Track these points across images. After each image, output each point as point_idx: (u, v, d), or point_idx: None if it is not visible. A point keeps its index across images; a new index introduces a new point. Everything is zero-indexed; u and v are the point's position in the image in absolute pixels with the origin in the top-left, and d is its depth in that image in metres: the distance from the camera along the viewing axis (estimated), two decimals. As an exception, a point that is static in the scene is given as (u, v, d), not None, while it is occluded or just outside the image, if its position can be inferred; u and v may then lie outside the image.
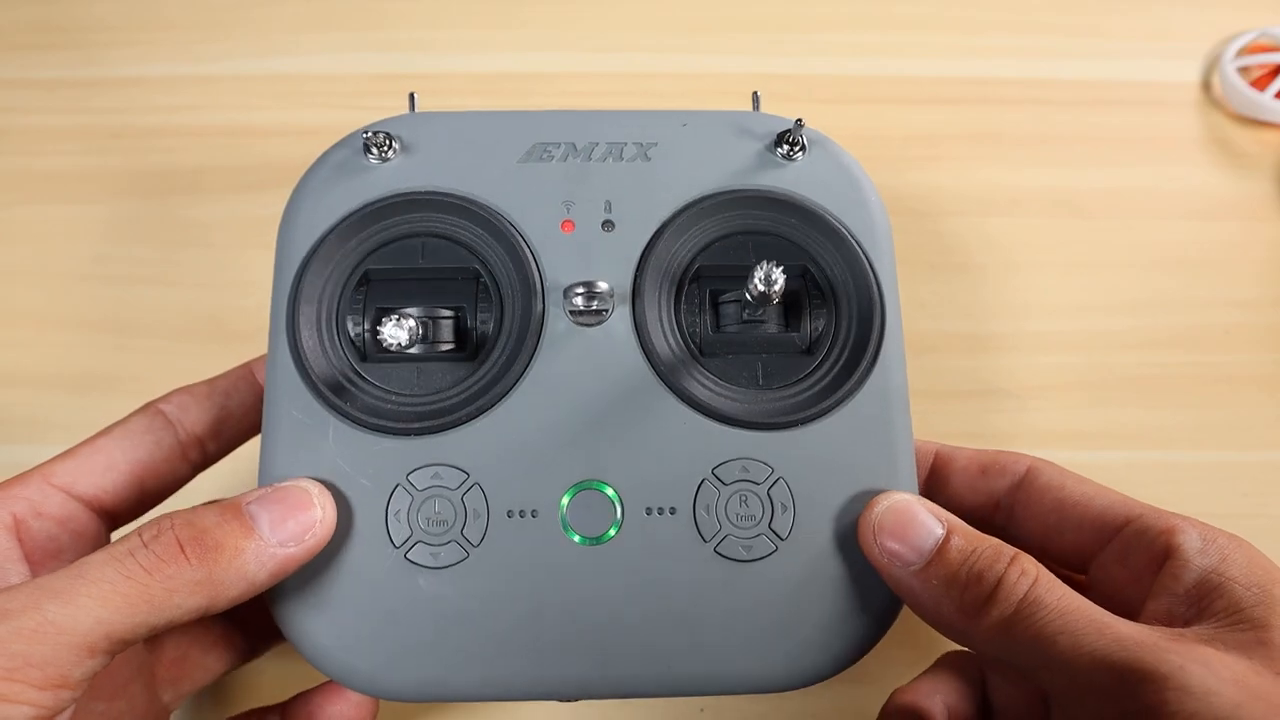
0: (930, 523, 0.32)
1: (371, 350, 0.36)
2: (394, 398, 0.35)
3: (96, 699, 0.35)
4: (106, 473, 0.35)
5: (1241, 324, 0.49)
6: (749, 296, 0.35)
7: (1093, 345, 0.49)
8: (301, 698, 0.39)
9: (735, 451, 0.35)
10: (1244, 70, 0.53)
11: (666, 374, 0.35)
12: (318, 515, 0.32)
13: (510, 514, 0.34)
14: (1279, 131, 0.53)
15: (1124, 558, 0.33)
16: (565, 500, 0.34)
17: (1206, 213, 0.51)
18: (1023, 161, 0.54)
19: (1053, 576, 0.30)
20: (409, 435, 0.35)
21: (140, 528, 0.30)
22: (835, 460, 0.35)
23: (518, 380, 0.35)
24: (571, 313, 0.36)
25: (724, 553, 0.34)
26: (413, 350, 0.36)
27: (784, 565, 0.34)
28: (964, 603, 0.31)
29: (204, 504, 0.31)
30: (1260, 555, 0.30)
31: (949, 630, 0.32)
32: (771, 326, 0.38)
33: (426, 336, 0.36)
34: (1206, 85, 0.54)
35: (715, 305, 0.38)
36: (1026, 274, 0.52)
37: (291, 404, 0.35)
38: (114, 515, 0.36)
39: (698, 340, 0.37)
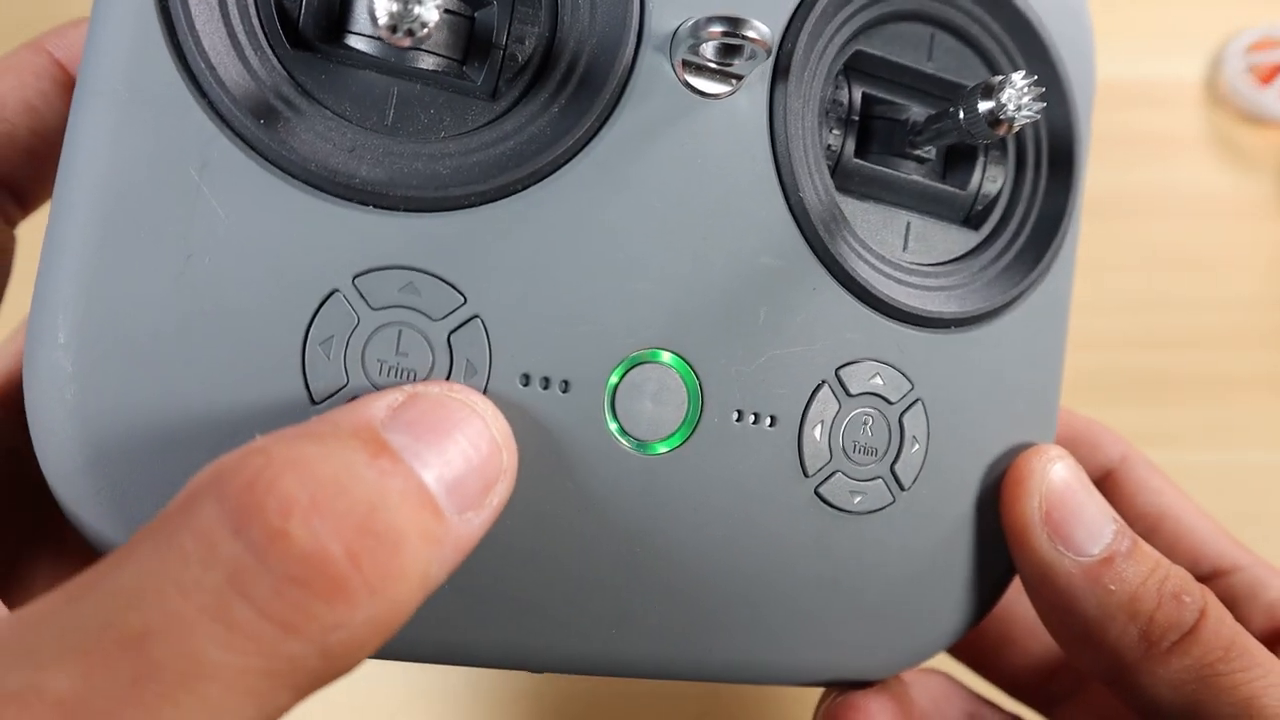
0: (1102, 511, 0.23)
1: (315, 32, 0.20)
2: (349, 135, 0.19)
3: None
4: None
5: (1242, 324, 0.48)
6: (961, 117, 0.22)
7: (1093, 345, 0.45)
8: None
9: (870, 348, 0.23)
10: (1251, 69, 0.51)
11: (804, 207, 0.22)
12: (502, 462, 0.18)
13: (527, 379, 0.20)
14: (1283, 131, 0.51)
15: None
16: (617, 374, 0.21)
17: (1209, 212, 0.49)
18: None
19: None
20: (366, 206, 0.19)
21: (231, 499, 0.14)
22: (988, 387, 0.24)
23: (576, 153, 0.20)
24: (687, 66, 0.21)
25: (826, 496, 0.22)
26: (388, 54, 0.20)
27: (897, 526, 0.23)
28: (1150, 630, 0.22)
29: (294, 431, 0.16)
30: None
31: (1104, 656, 0.23)
32: (931, 174, 0.25)
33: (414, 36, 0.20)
34: (1210, 84, 0.52)
35: (866, 118, 0.24)
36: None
37: (135, 91, 0.18)
38: None
39: (832, 164, 0.24)
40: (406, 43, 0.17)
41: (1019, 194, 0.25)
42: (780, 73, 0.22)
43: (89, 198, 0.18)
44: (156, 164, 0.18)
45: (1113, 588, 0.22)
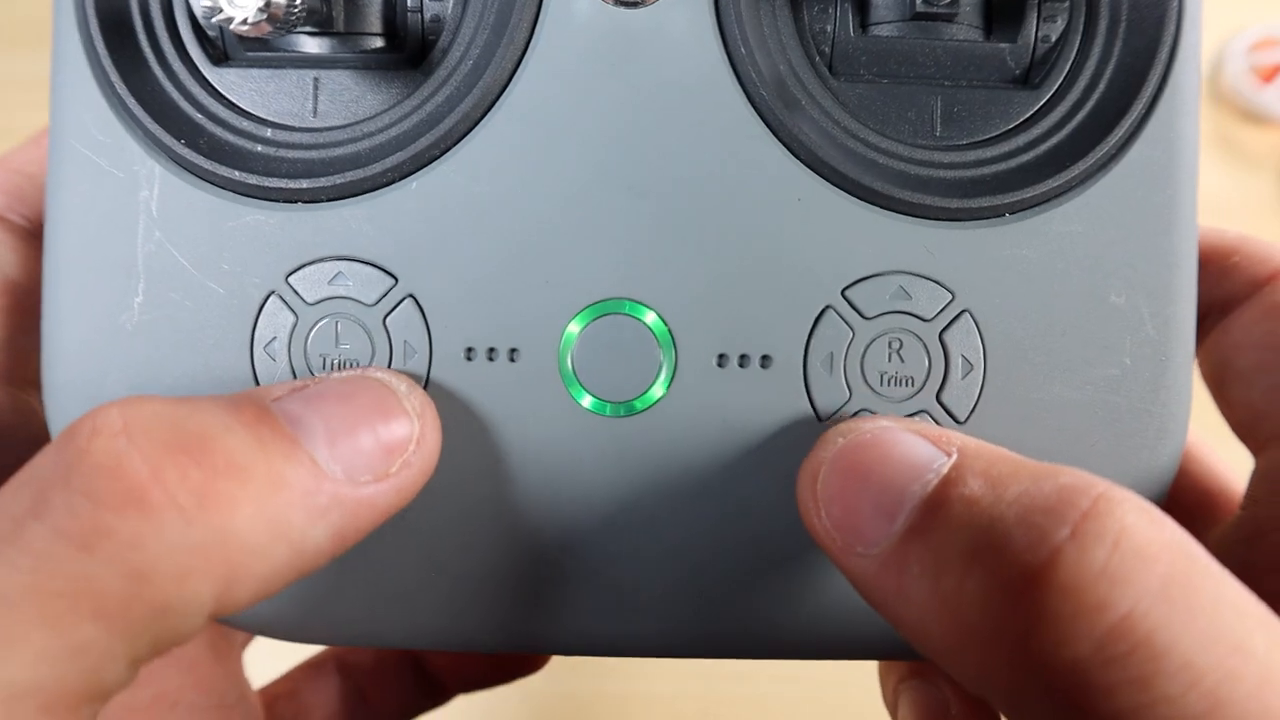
0: (922, 450, 0.16)
1: (234, 44, 0.20)
2: (269, 132, 0.19)
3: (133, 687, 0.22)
4: None
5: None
6: None
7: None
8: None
9: (887, 259, 0.19)
10: (1253, 68, 0.50)
11: (770, 105, 0.19)
12: (410, 429, 0.17)
13: (470, 353, 0.19)
14: (1285, 128, 0.49)
15: None
16: (572, 331, 0.19)
17: (1209, 212, 0.43)
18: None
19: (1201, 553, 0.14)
20: (293, 202, 0.19)
21: (58, 440, 0.15)
22: (1067, 285, 0.19)
23: (491, 105, 0.19)
24: (594, -23, 0.19)
25: (852, 440, 0.19)
26: (308, 46, 0.20)
27: (957, 466, 0.19)
28: (990, 593, 0.14)
29: (185, 398, 0.16)
30: None
31: (956, 661, 0.15)
32: (964, 30, 0.20)
33: (332, 21, 0.20)
34: (1211, 83, 0.51)
35: (863, -15, 0.20)
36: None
37: (82, 136, 0.19)
38: None
39: (827, 49, 0.20)
40: (253, 32, 0.17)
41: (1091, 39, 0.20)
42: None
43: (61, 241, 0.19)
44: (104, 200, 0.19)
45: (930, 555, 0.14)
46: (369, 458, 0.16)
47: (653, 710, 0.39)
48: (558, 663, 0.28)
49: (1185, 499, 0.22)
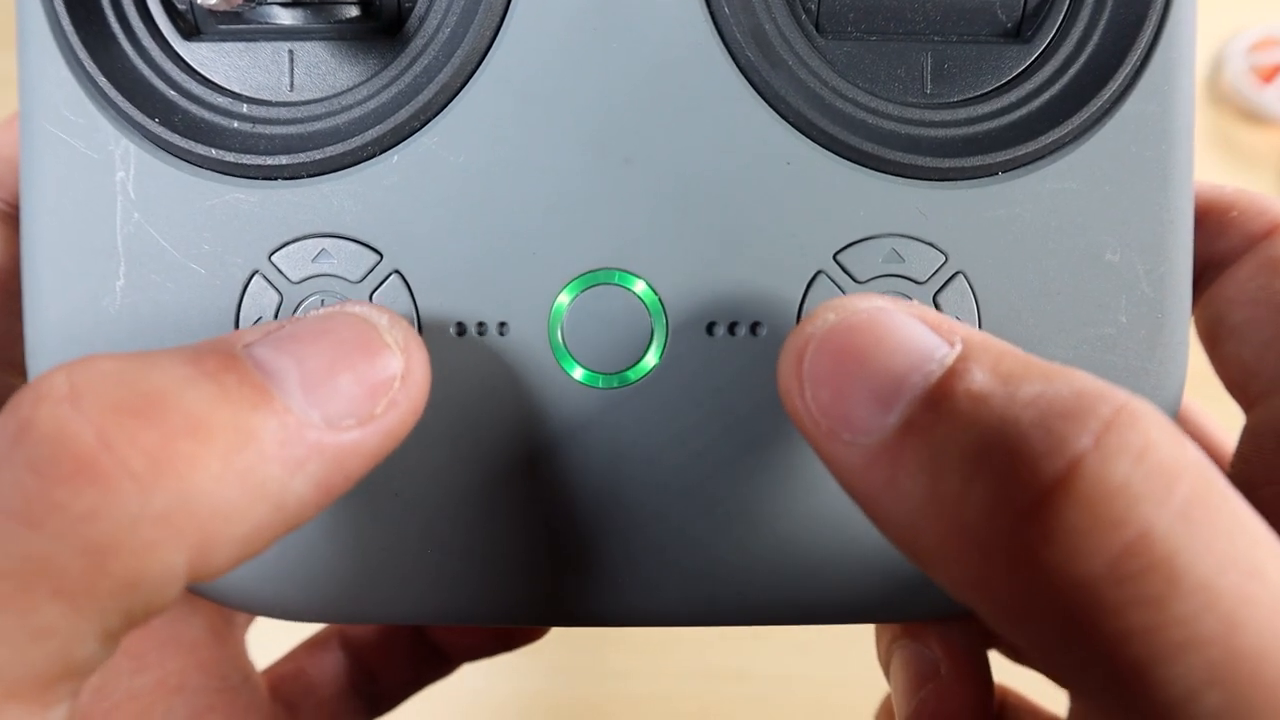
0: (923, 338, 0.15)
1: (205, 17, 0.20)
2: (245, 108, 0.19)
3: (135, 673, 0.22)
4: None
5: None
6: None
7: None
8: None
9: (879, 221, 0.19)
10: (1253, 68, 0.51)
11: (755, 66, 0.18)
12: (395, 365, 0.16)
13: (460, 328, 0.19)
14: (1283, 128, 0.48)
15: None
16: (561, 303, 0.19)
17: None
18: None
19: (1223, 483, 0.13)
20: (273, 180, 0.19)
21: (3, 411, 0.14)
22: (1058, 244, 0.19)
23: (471, 74, 0.19)
24: (573, -62, 0.18)
25: (847, 405, 0.19)
26: (281, 17, 0.19)
27: (953, 429, 0.19)
28: (1000, 501, 0.13)
29: (144, 353, 0.15)
30: None
31: (950, 566, 0.14)
32: (954, -17, 0.20)
33: None
34: (1211, 83, 0.51)
35: (849, -62, 0.20)
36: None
37: (53, 117, 0.19)
38: None
39: (814, 6, 0.20)
40: (222, 5, 0.16)
41: None
42: None
43: (39, 226, 0.19)
44: (80, 182, 0.19)
45: (928, 454, 0.13)
46: (351, 400, 0.15)
47: (653, 710, 0.39)
48: (557, 664, 0.28)
49: None
